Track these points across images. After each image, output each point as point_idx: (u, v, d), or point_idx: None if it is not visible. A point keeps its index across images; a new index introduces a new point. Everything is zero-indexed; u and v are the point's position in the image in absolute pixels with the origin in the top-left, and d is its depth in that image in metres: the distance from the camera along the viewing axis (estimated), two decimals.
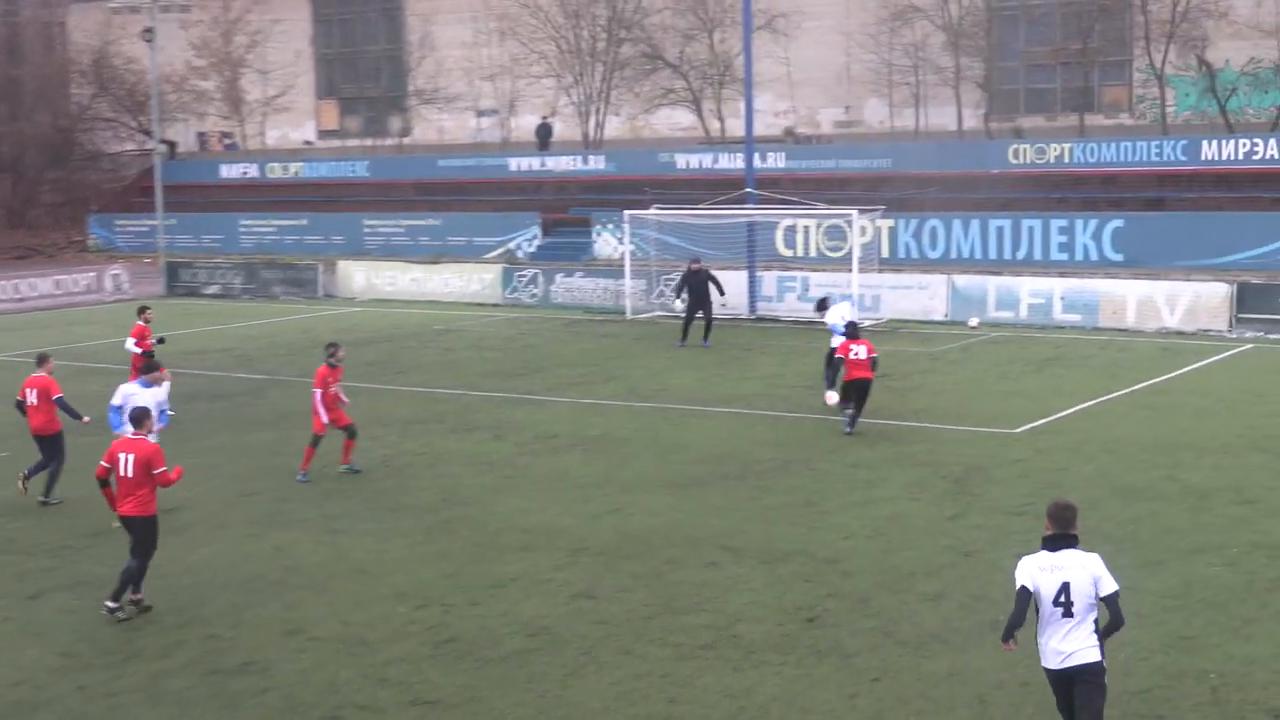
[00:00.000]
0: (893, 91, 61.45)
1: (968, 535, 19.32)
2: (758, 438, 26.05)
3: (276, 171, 66.87)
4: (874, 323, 41.26)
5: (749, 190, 44.54)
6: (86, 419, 22.74)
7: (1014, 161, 49.93)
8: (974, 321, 40.51)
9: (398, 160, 66.90)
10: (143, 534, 16.69)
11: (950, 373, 32.74)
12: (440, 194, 61.67)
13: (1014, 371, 32.72)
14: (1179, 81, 56.45)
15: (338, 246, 60.19)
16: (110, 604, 16.70)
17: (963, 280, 41.93)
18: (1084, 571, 11.35)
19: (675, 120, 66.93)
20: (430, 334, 41.72)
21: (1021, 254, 46.26)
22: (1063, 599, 11.25)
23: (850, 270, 41.67)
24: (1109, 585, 11.30)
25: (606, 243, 53.83)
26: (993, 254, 46.73)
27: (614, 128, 67.50)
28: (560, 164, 59.55)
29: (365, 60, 76.23)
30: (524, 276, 48.73)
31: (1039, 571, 11.44)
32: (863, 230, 45.15)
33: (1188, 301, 38.79)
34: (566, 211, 57.43)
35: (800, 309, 42.89)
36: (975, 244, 47.14)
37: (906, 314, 41.84)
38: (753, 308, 43.74)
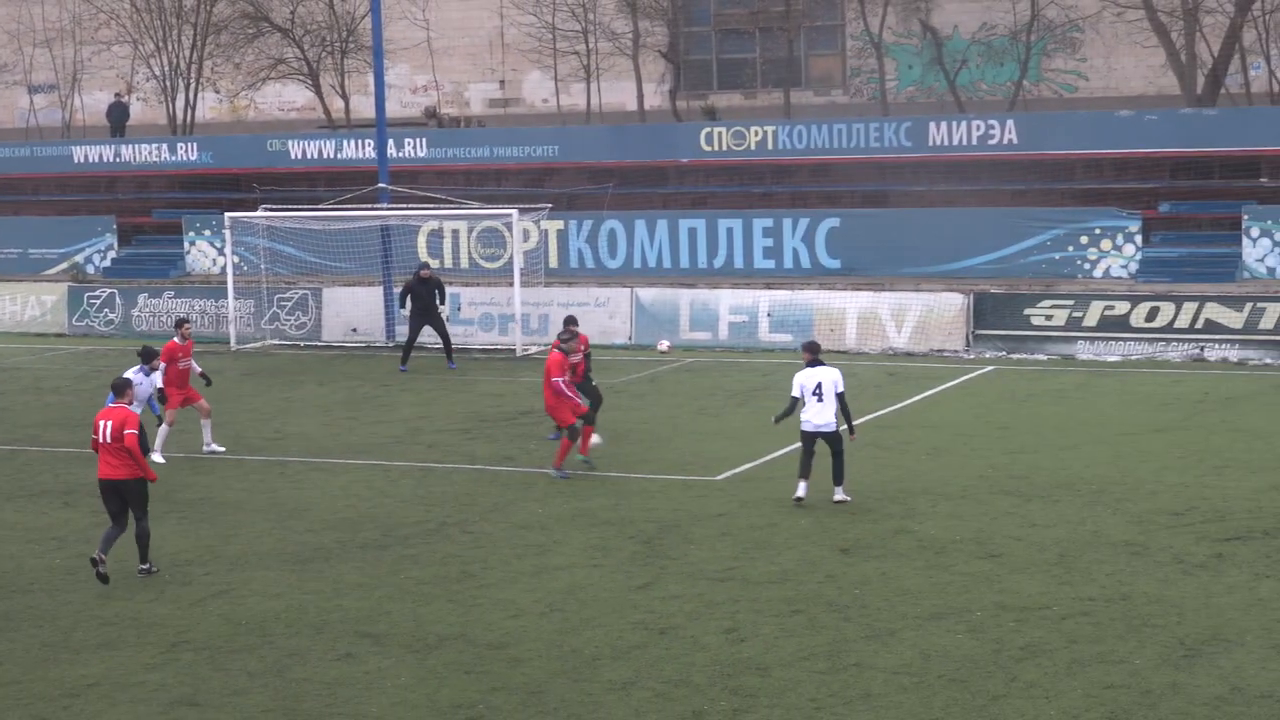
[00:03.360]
0: (558, 62, 62.12)
1: (662, 608, 19.70)
2: (401, 495, 26.08)
3: None
4: (542, 349, 41.69)
5: (382, 186, 44.52)
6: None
7: (707, 149, 50.90)
8: (664, 345, 41.32)
9: None
10: (138, 495, 21.63)
11: (636, 409, 33.28)
12: None
13: (713, 405, 33.43)
14: (900, 51, 58.50)
15: None
16: (144, 565, 21.73)
17: (649, 295, 42.66)
18: (829, 376, 24.50)
19: (287, 98, 66.35)
20: None
21: (719, 262, 47.22)
22: (817, 390, 24.37)
23: (511, 284, 42.03)
24: (841, 386, 24.57)
25: (203, 253, 53.09)
26: (685, 262, 47.60)
27: (209, 108, 66.60)
28: (141, 154, 58.47)
29: None
30: (96, 298, 47.72)
31: (806, 377, 24.53)
32: (525, 234, 45.55)
33: (917, 316, 40.25)
34: (150, 215, 56.42)
35: (451, 333, 43.06)
36: (663, 250, 47.93)
37: None
38: (390, 332, 43.72)
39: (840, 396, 24.55)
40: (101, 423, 21.73)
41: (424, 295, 39.74)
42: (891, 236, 45.49)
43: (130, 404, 22.34)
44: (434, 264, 48.28)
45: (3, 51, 68.86)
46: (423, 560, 22.11)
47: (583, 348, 30.57)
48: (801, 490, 24.58)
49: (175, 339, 29.81)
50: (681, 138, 52.22)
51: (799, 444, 24.90)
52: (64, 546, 23.39)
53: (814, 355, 24.89)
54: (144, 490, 21.77)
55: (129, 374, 26.11)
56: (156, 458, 28.53)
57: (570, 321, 31.44)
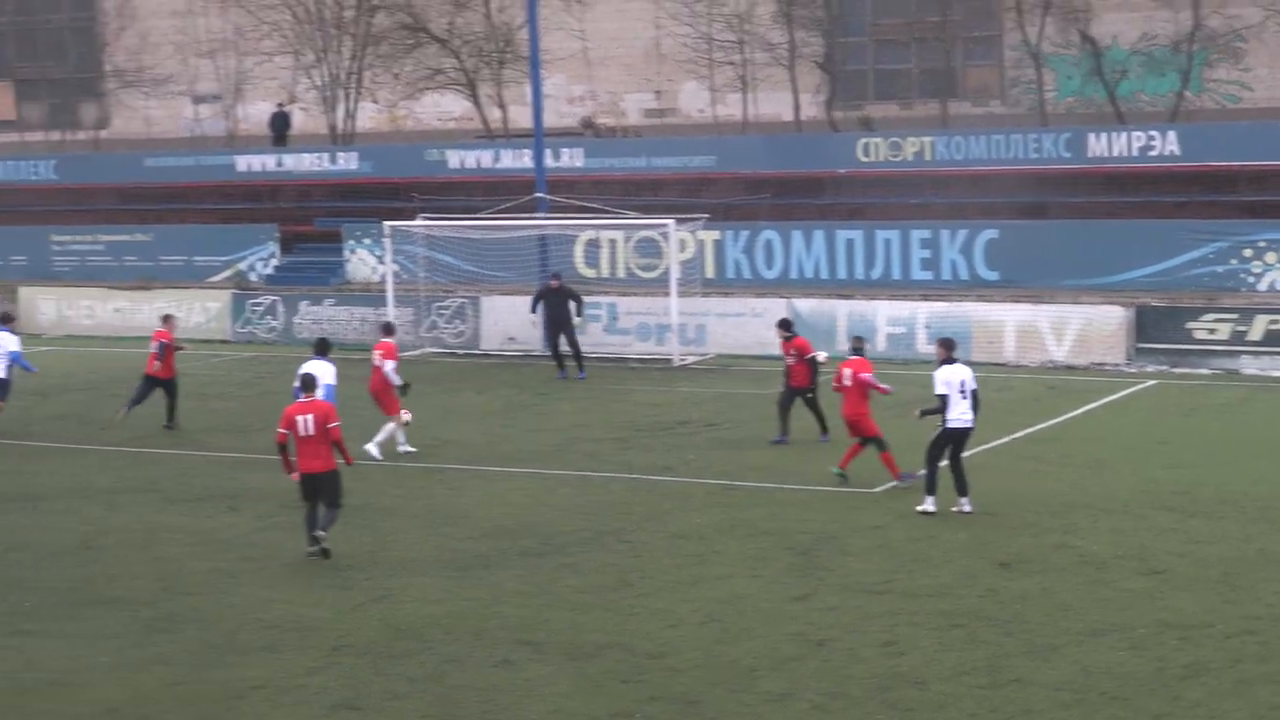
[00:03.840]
0: (714, 73, 62.15)
1: (819, 620, 19.63)
2: (559, 504, 26.16)
3: None
4: (699, 359, 41.71)
5: (539, 195, 44.69)
6: None
7: (864, 159, 50.73)
8: (822, 355, 41.17)
9: (94, 159, 65.83)
10: (335, 486, 22.92)
11: (796, 420, 33.14)
12: (149, 201, 60.76)
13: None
14: (1059, 62, 57.96)
15: (18, 269, 58.97)
16: (323, 533, 22.82)
17: (806, 305, 42.53)
18: (968, 373, 24.77)
19: (445, 108, 66.82)
20: (140, 379, 41.10)
21: (876, 273, 47.01)
22: (962, 387, 24.58)
23: (668, 294, 42.07)
24: (975, 383, 24.79)
25: (362, 262, 53.56)
26: (841, 273, 47.42)
27: (368, 118, 67.22)
28: (302, 163, 59.17)
29: (48, 33, 74.97)
30: (259, 305, 48.27)
31: (951, 374, 24.60)
32: (682, 244, 45.57)
33: (1077, 329, 39.82)
34: (311, 223, 57.01)
35: (607, 342, 43.19)
36: (820, 261, 47.78)
37: (738, 348, 42.30)
38: (547, 341, 43.83)
39: (974, 393, 24.84)
40: (300, 418, 22.78)
41: (556, 304, 40.17)
42: (1051, 248, 45.06)
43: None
44: (590, 274, 48.59)
45: (168, 62, 69.94)
46: (581, 569, 22.16)
47: (795, 352, 30.77)
48: (931, 505, 24.68)
49: (390, 341, 30.77)
50: (838, 148, 52.07)
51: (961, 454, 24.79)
52: (228, 549, 23.69)
53: (949, 352, 25.06)
54: (339, 481, 23.01)
55: (306, 367, 26.79)
56: (373, 450, 29.67)
57: (785, 325, 31.55)
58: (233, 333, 48.32)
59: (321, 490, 22.86)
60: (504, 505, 26.11)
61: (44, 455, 31.08)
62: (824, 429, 30.83)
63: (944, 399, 24.66)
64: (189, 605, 20.91)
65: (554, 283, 40.62)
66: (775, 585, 21.17)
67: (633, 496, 26.53)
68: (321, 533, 22.81)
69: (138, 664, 18.64)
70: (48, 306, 51.52)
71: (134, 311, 50.00)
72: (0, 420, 34.61)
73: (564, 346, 40.33)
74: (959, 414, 24.63)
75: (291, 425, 22.82)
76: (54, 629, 20.03)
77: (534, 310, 41.33)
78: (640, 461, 29.31)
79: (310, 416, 22.80)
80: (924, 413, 25.40)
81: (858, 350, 28.23)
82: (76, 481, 28.59)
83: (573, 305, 40.40)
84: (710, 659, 18.29)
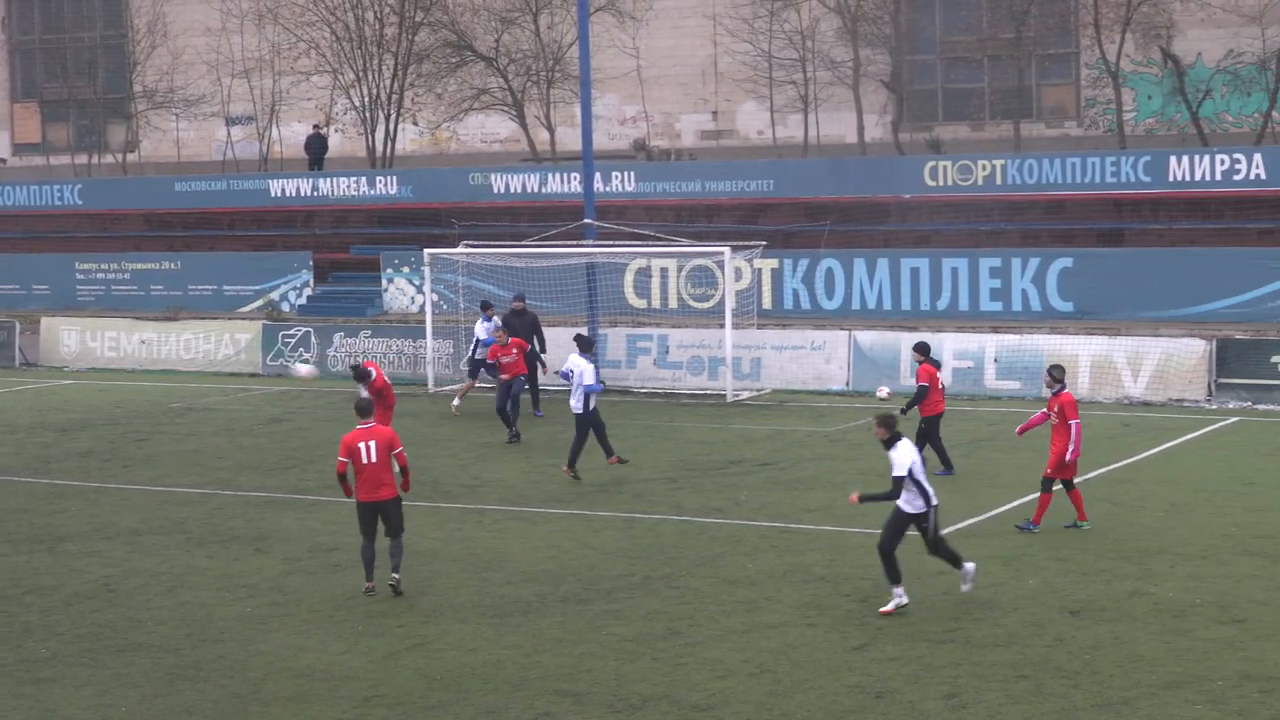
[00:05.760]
0: (774, 93, 62.27)
1: (878, 671, 19.57)
2: (604, 547, 26.14)
3: None
4: (754, 394, 41.68)
5: (588, 221, 44.76)
6: None
7: (931, 183, 50.73)
8: (884, 391, 40.86)
9: (121, 183, 66.31)
10: (399, 514, 23.61)
11: (854, 459, 33.12)
12: (178, 228, 61.21)
13: (934, 456, 33.19)
14: (1139, 81, 57.88)
15: (41, 298, 59.49)
16: (397, 576, 23.41)
17: (868, 338, 42.50)
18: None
19: (490, 130, 67.13)
20: (166, 414, 41.34)
21: (943, 303, 46.98)
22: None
23: (722, 325, 42.07)
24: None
25: (401, 291, 53.78)
26: (906, 304, 47.41)
27: (409, 140, 67.55)
28: (339, 188, 59.50)
29: (76, 51, 75.59)
30: (291, 337, 48.46)
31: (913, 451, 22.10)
32: (738, 273, 45.58)
33: (1155, 363, 39.64)
34: (347, 250, 57.30)
35: (658, 377, 43.20)
36: (884, 291, 47.79)
37: (796, 383, 42.28)
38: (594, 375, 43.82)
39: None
40: (362, 444, 23.36)
41: (522, 331, 39.39)
42: (1128, 278, 45.00)
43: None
44: (641, 304, 48.66)
45: (201, 82, 70.45)
46: (626, 616, 22.15)
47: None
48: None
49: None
50: (904, 172, 52.08)
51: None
52: (255, 594, 23.75)
53: (890, 430, 22.24)
54: (401, 509, 23.75)
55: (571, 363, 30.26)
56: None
57: (919, 348, 32.05)
58: (263, 366, 48.48)
59: (385, 518, 23.50)
60: (547, 549, 26.11)
61: (64, 494, 31.21)
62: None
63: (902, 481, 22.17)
64: (214, 652, 20.96)
65: (517, 304, 40.23)
66: (832, 634, 21.11)
67: (682, 540, 26.49)
68: (396, 575, 23.40)
69: (160, 714, 18.70)
70: (70, 338, 51.82)
71: (160, 343, 50.21)
72: (18, 457, 34.91)
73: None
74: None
75: (353, 453, 23.40)
76: (72, 676, 20.10)
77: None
78: (691, 503, 29.28)
79: (373, 442, 23.37)
80: (866, 498, 22.97)
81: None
82: (98, 522, 28.70)
83: (536, 341, 39.82)
84: (762, 712, 18.25)
